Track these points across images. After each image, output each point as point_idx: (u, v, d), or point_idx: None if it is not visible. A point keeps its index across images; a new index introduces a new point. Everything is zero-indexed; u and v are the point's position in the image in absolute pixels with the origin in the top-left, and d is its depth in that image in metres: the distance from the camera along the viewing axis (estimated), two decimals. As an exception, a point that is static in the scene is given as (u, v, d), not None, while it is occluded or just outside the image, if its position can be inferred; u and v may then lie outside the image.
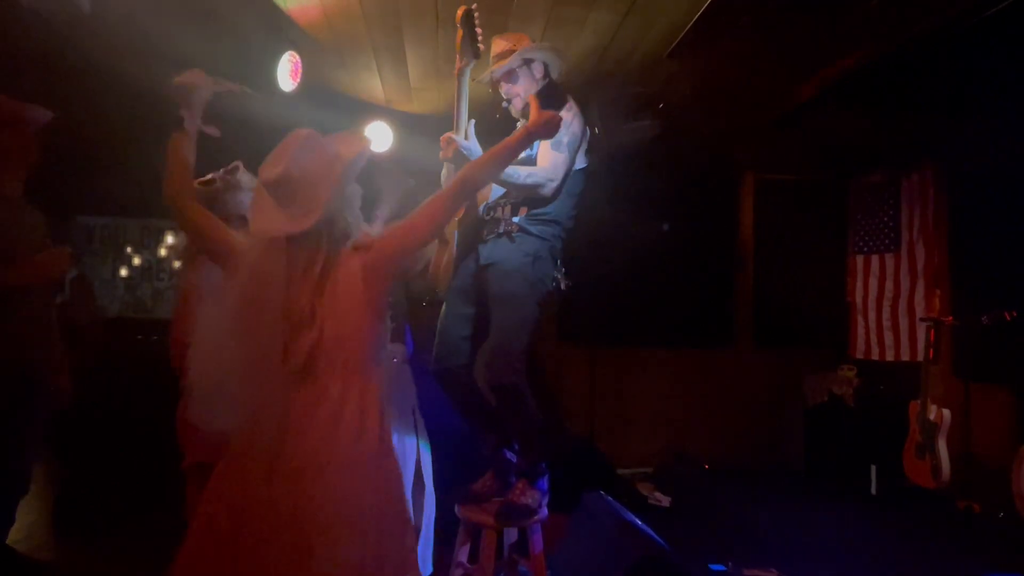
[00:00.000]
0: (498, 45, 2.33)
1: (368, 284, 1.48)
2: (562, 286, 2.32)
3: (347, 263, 1.49)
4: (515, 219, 2.24)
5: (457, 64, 2.12)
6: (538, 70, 2.31)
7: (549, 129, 1.83)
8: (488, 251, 2.26)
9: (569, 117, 2.23)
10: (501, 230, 2.25)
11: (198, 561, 1.42)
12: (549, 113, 1.82)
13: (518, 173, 2.16)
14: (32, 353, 2.38)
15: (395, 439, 2.59)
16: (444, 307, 2.36)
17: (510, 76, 2.28)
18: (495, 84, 2.34)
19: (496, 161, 1.73)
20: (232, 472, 1.45)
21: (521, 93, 2.30)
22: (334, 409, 1.44)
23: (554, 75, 2.38)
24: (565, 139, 2.22)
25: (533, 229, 2.24)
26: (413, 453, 2.66)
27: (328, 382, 1.45)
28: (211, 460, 1.53)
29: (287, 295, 1.44)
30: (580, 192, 2.35)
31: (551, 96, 2.24)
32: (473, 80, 2.22)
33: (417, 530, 2.62)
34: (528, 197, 2.24)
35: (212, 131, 1.73)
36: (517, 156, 1.81)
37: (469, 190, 1.70)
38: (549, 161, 2.20)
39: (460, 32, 2.08)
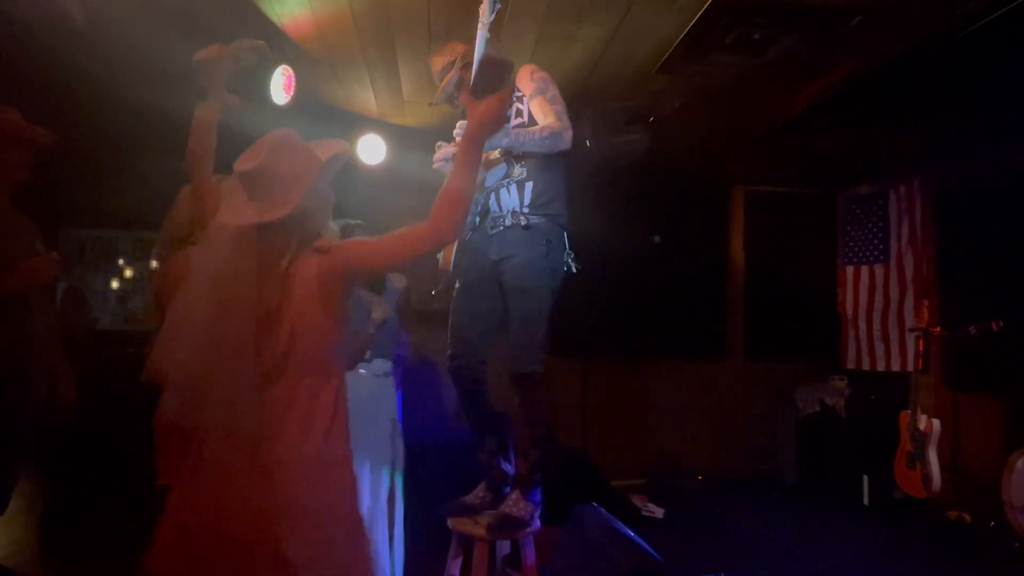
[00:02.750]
0: (437, 63, 2.36)
1: (323, 289, 1.47)
2: (574, 269, 2.33)
3: (306, 263, 1.48)
4: (523, 210, 2.25)
5: (482, 17, 1.90)
6: None
7: (495, 121, 1.59)
8: (499, 245, 2.27)
9: (542, 77, 2.26)
10: (509, 223, 2.26)
11: (168, 560, 1.40)
12: (483, 106, 1.58)
13: (531, 136, 2.17)
14: (22, 368, 2.36)
15: (371, 450, 2.61)
16: (455, 305, 2.36)
17: (461, 85, 2.29)
18: (451, 100, 2.34)
19: (461, 192, 1.52)
20: (206, 472, 1.44)
21: None
22: (301, 410, 1.44)
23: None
24: (555, 91, 2.24)
25: (538, 218, 2.25)
26: (389, 464, 2.67)
27: (295, 382, 1.46)
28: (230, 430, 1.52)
29: (256, 289, 1.44)
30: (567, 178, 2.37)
31: (486, 78, 2.04)
32: (428, 105, 2.20)
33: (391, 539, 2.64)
34: (537, 167, 2.24)
35: (233, 101, 1.74)
36: (477, 169, 1.59)
37: (441, 240, 1.51)
38: (553, 114, 2.21)
39: None
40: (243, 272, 1.43)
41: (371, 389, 2.65)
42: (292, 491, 1.40)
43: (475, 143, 1.56)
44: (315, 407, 1.46)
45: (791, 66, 3.24)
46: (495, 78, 2.00)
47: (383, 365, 2.76)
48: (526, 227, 2.23)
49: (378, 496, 2.59)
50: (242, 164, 1.47)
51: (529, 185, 2.25)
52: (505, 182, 2.28)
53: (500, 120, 1.61)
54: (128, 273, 5.69)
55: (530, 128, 2.20)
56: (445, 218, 1.48)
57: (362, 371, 2.64)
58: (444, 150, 2.33)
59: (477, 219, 2.35)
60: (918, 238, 4.60)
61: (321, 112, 3.85)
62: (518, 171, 2.26)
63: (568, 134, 2.21)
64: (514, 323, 2.23)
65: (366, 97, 3.84)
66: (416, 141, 4.07)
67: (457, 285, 2.38)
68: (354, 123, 4.05)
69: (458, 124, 2.27)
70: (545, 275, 2.23)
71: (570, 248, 2.34)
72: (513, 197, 2.26)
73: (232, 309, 1.42)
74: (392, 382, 2.81)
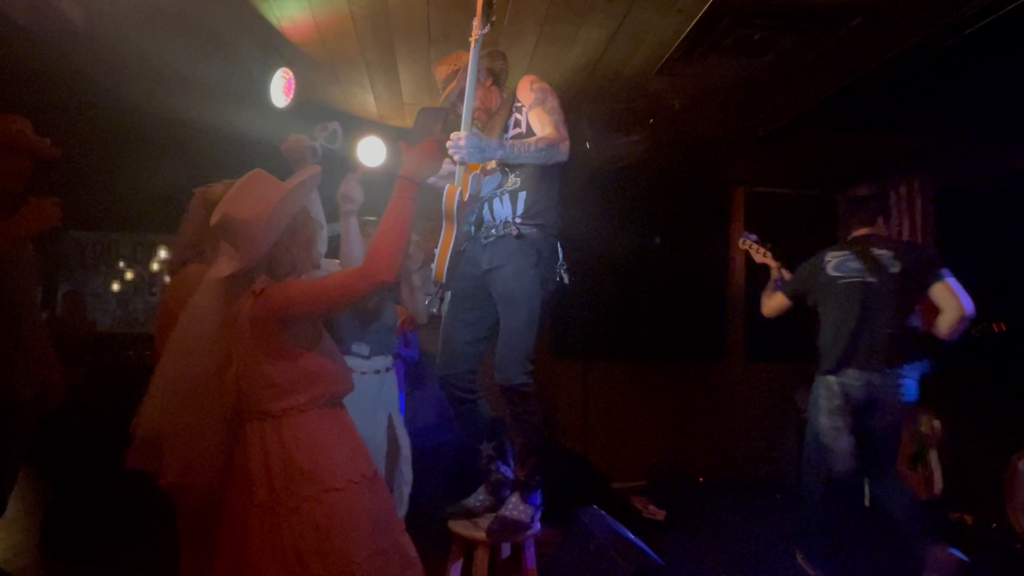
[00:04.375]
0: (441, 72, 2.36)
1: (253, 332, 1.43)
2: (565, 280, 2.32)
3: (243, 305, 1.45)
4: (516, 220, 2.24)
5: (474, 32, 2.00)
6: (485, 78, 2.32)
7: (430, 163, 1.61)
8: (490, 255, 2.27)
9: (541, 88, 2.25)
10: (501, 232, 2.26)
11: None
12: (418, 148, 1.61)
13: (527, 147, 2.14)
14: (13, 367, 2.35)
15: (369, 447, 2.61)
16: (446, 314, 2.37)
17: (463, 96, 2.27)
18: (455, 109, 2.33)
19: (396, 232, 1.46)
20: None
21: (479, 107, 2.30)
22: (242, 456, 1.42)
23: (502, 76, 2.40)
24: (554, 102, 2.23)
25: (530, 228, 2.24)
26: (388, 459, 2.66)
27: (246, 426, 1.44)
28: (187, 481, 1.51)
29: (219, 335, 1.44)
30: (561, 188, 2.36)
31: (423, 124, 2.09)
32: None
33: None
34: (532, 177, 2.23)
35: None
36: (412, 209, 1.55)
37: (378, 282, 1.43)
38: (551, 124, 2.19)
39: None
40: (213, 319, 1.45)
41: (369, 388, 2.64)
42: (244, 543, 1.35)
43: (410, 183, 1.55)
44: (248, 453, 1.41)
45: (791, 67, 3.24)
46: (432, 123, 2.03)
47: (383, 361, 2.75)
48: (518, 237, 2.22)
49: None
50: (212, 218, 1.48)
51: (523, 195, 2.25)
52: (499, 192, 2.28)
53: (436, 162, 1.64)
54: (129, 275, 5.69)
55: (526, 140, 2.19)
56: (381, 259, 1.43)
57: (362, 372, 2.63)
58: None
59: (472, 229, 2.34)
60: (918, 239, 4.60)
61: (321, 115, 3.85)
62: (512, 181, 2.25)
63: (565, 146, 2.19)
64: (502, 333, 2.22)
65: (366, 99, 3.84)
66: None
67: (449, 294, 2.38)
68: (354, 125, 4.05)
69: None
70: (534, 285, 2.21)
71: (563, 258, 2.33)
72: (506, 207, 2.27)
73: (201, 358, 1.43)
74: (393, 377, 2.78)
